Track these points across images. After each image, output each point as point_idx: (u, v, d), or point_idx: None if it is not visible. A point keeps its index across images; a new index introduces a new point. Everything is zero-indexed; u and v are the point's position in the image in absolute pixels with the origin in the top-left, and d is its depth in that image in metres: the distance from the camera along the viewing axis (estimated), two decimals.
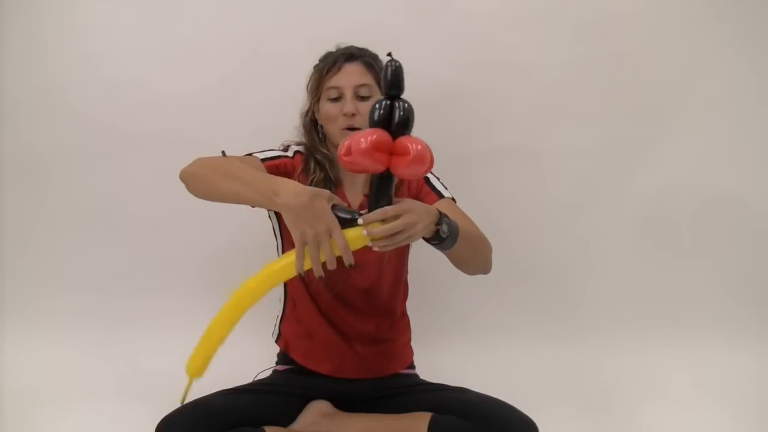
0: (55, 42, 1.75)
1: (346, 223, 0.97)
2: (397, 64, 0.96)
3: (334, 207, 0.98)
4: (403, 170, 0.95)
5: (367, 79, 1.29)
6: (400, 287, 1.41)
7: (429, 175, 1.35)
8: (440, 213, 1.08)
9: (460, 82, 1.74)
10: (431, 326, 1.68)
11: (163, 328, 1.81)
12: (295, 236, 0.97)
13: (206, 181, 1.12)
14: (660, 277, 1.81)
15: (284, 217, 0.99)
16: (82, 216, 1.82)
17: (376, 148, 0.93)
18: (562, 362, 1.75)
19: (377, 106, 0.97)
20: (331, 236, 0.95)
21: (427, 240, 1.09)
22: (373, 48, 1.34)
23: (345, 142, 0.95)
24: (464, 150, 1.75)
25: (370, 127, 0.97)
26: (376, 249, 1.00)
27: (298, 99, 1.38)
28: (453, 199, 1.33)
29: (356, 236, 0.97)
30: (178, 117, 1.76)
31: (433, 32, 1.71)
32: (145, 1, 1.73)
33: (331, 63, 1.29)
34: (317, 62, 1.35)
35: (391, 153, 0.95)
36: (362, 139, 0.93)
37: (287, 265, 1.01)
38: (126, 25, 1.74)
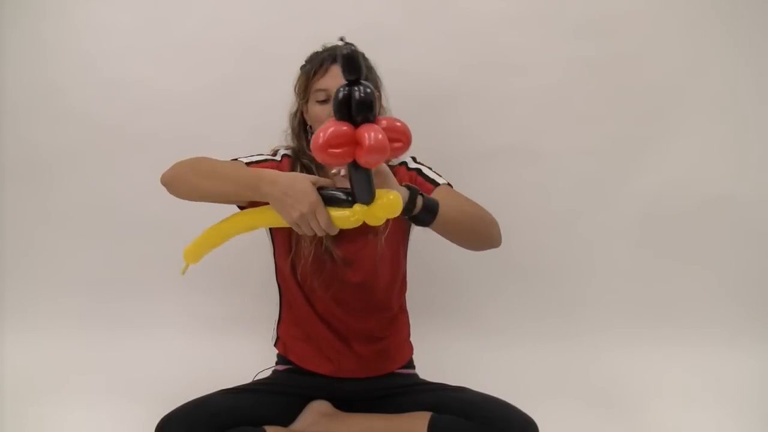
0: (55, 42, 1.76)
1: (342, 203, 0.99)
2: (351, 47, 0.87)
3: (324, 189, 1.00)
4: (365, 160, 0.88)
5: None
6: (397, 281, 1.39)
7: (421, 167, 1.32)
8: (412, 193, 1.05)
9: (460, 82, 1.74)
10: (432, 325, 1.68)
11: (163, 329, 1.81)
12: (287, 221, 1.01)
13: (187, 181, 1.15)
14: (660, 276, 1.82)
15: (272, 205, 1.02)
16: (83, 216, 1.82)
17: (331, 144, 0.87)
18: (563, 361, 1.75)
19: (336, 94, 0.88)
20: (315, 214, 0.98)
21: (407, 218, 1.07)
22: (371, 47, 1.33)
23: None
24: (463, 150, 1.75)
25: (334, 117, 0.89)
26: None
27: None
28: (449, 184, 1.29)
29: (344, 216, 0.98)
30: (178, 116, 1.76)
31: (432, 32, 1.71)
32: (145, 1, 1.73)
33: (318, 65, 1.28)
34: (304, 63, 1.34)
35: (356, 142, 0.88)
36: (320, 135, 0.87)
37: None
38: (126, 25, 1.74)
